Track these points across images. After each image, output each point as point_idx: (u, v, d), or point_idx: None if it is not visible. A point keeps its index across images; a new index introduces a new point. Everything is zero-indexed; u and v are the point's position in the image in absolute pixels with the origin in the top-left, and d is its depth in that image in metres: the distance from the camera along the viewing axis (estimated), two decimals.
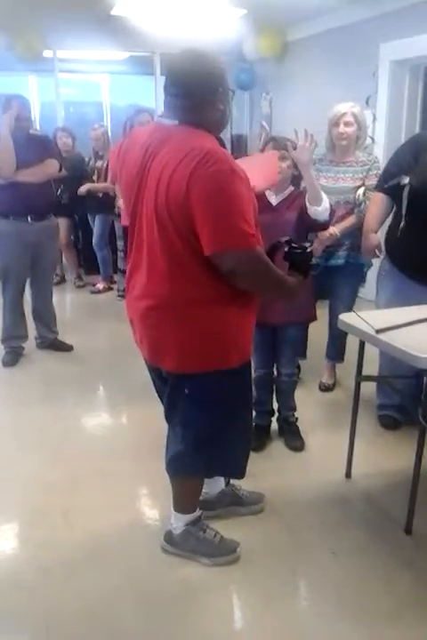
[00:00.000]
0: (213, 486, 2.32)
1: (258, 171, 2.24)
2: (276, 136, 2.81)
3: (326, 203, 2.46)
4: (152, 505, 2.51)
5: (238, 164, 1.66)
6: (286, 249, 1.85)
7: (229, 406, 1.91)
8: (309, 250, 1.86)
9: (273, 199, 2.63)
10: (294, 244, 1.85)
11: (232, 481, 2.39)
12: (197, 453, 1.97)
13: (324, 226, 2.58)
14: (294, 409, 2.93)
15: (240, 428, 2.00)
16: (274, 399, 2.93)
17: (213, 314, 1.76)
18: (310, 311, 2.76)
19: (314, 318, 2.80)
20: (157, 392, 2.09)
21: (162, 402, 2.04)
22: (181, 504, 2.13)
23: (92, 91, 9.49)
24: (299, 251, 1.85)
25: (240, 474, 2.12)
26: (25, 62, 6.38)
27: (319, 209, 2.46)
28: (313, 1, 4.70)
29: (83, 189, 5.39)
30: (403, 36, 4.46)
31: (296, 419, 2.94)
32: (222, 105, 1.74)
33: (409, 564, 2.13)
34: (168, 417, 2.02)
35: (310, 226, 2.54)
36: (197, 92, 1.69)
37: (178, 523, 2.14)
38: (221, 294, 1.75)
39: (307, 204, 2.47)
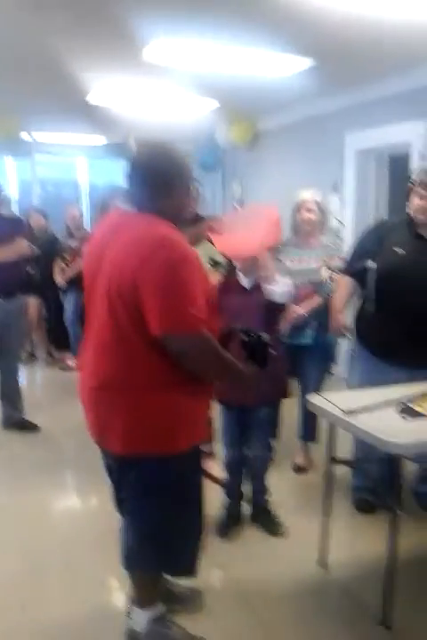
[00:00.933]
0: None
1: (260, 229, 2.24)
2: None
3: (282, 286, 2.51)
4: (117, 598, 2.36)
5: (193, 252, 1.71)
6: (243, 338, 1.86)
7: (178, 494, 1.84)
8: (263, 339, 1.87)
9: (245, 282, 2.65)
10: (249, 332, 1.87)
11: (167, 577, 2.25)
12: (148, 546, 1.88)
13: (280, 307, 2.60)
14: (266, 491, 2.85)
15: (190, 519, 1.92)
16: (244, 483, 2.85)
17: (161, 397, 1.74)
18: (282, 389, 2.72)
19: (286, 395, 2.77)
20: (110, 477, 2.00)
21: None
22: (140, 598, 2.01)
23: (70, 170, 9.70)
24: (254, 338, 1.86)
25: (189, 571, 2.02)
26: (1, 144, 6.52)
27: (275, 289, 2.49)
28: (282, 94, 4.94)
29: (59, 279, 5.41)
30: (367, 126, 4.69)
31: (268, 502, 2.85)
32: (180, 194, 1.80)
33: None
34: (116, 504, 1.96)
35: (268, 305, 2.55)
36: (155, 183, 1.75)
37: (140, 618, 2.01)
38: (169, 378, 1.74)
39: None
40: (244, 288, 2.63)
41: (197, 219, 2.85)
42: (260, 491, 2.83)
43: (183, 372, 1.73)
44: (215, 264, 3.06)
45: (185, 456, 1.80)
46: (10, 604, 2.30)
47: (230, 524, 2.79)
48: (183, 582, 2.27)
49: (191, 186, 1.88)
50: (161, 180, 1.75)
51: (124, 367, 1.73)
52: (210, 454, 3.31)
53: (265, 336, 1.89)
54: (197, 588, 2.30)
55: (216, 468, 3.22)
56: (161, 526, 1.85)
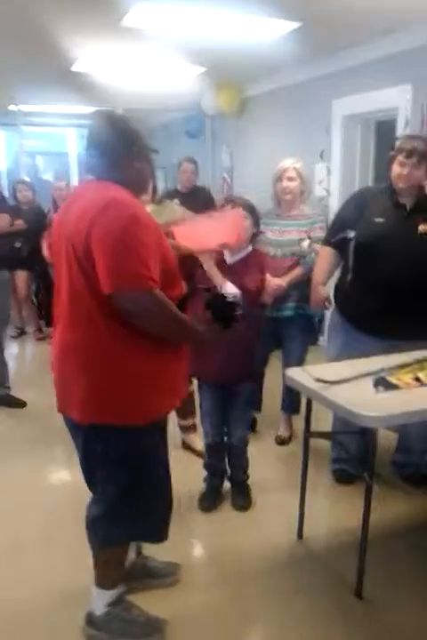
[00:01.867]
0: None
1: (223, 229, 2.21)
2: (234, 197, 2.82)
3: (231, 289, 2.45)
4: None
5: (146, 214, 1.72)
6: (206, 297, 1.85)
7: (141, 464, 1.84)
8: (229, 299, 1.84)
9: (228, 258, 2.60)
10: (216, 292, 1.86)
11: (145, 552, 2.27)
12: (114, 517, 1.88)
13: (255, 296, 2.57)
14: (246, 468, 2.83)
15: (155, 488, 1.91)
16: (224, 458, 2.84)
17: (119, 366, 1.74)
18: (252, 365, 2.69)
19: (258, 370, 2.79)
20: (77, 450, 1.97)
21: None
22: (103, 577, 1.99)
23: (60, 142, 9.58)
24: (218, 299, 1.84)
25: (160, 538, 2.02)
26: None
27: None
28: (269, 60, 4.83)
29: (47, 253, 5.31)
30: (354, 92, 4.59)
31: (247, 477, 2.84)
32: (139, 162, 1.81)
33: (361, 632, 2.05)
34: (85, 478, 1.95)
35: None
36: (111, 152, 1.77)
37: (99, 601, 2.00)
38: (129, 347, 1.73)
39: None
40: (226, 263, 2.58)
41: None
42: (238, 468, 2.82)
43: (144, 342, 1.73)
44: None
45: (144, 428, 1.79)
46: None
47: (210, 498, 2.79)
48: (161, 557, 2.28)
49: (151, 155, 1.88)
50: (117, 151, 1.76)
51: (83, 332, 1.73)
52: (191, 427, 3.31)
53: (230, 296, 1.86)
54: (174, 563, 2.32)
55: (198, 440, 3.22)
56: (127, 496, 1.85)
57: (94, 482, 1.92)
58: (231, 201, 2.67)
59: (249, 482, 2.85)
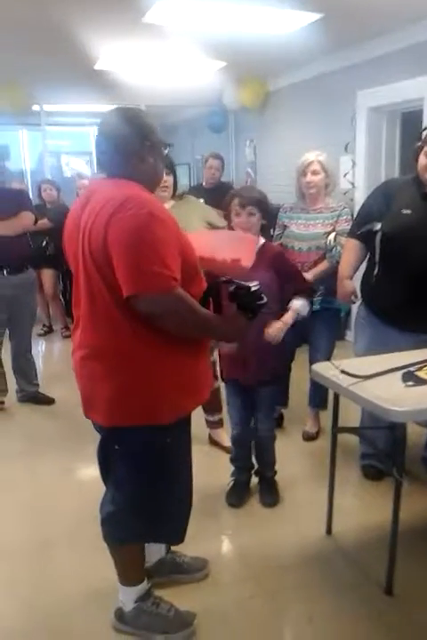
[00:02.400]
0: (151, 554, 2.17)
1: (234, 249, 2.16)
2: (240, 190, 2.68)
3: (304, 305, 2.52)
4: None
5: (163, 211, 1.67)
6: (230, 289, 1.82)
7: (163, 465, 1.82)
8: (253, 289, 1.81)
9: None
10: (239, 283, 1.81)
11: (173, 548, 2.27)
12: (130, 517, 1.87)
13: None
14: (273, 464, 2.81)
15: (176, 490, 1.89)
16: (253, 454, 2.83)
17: (143, 367, 1.71)
18: (278, 368, 2.69)
19: (283, 372, 2.76)
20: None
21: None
22: (124, 575, 2.00)
23: (83, 141, 9.66)
24: (243, 290, 1.81)
25: (177, 539, 2.02)
26: (13, 116, 6.51)
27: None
28: (292, 52, 4.79)
29: None
30: (379, 83, 4.53)
31: (275, 473, 2.82)
32: (151, 158, 1.78)
33: (390, 630, 2.02)
34: (102, 475, 1.96)
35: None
36: (123, 148, 1.74)
37: (127, 597, 2.01)
38: (150, 347, 1.70)
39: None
40: None
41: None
42: (265, 463, 2.81)
43: (167, 341, 1.70)
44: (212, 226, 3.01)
45: (170, 428, 1.77)
46: (19, 577, 2.35)
47: (237, 493, 2.78)
48: (189, 552, 2.28)
49: (163, 150, 1.84)
50: (130, 146, 1.73)
51: (105, 336, 1.71)
52: (218, 423, 3.31)
53: (254, 285, 1.82)
54: (202, 558, 2.32)
55: (225, 436, 3.22)
56: (144, 497, 1.84)
57: (110, 480, 1.91)
58: (239, 195, 2.53)
59: (277, 478, 2.83)
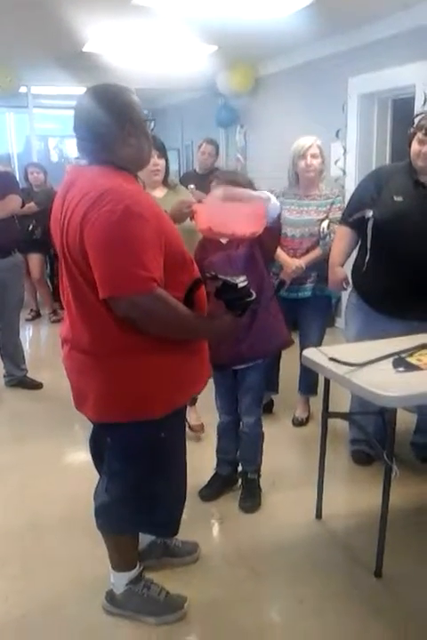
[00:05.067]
0: (143, 537, 2.15)
1: (245, 216, 2.11)
2: (219, 173, 2.58)
3: (268, 196, 2.17)
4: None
5: (143, 203, 1.56)
6: (217, 285, 1.74)
7: (155, 459, 1.79)
8: (240, 285, 1.72)
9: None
10: (225, 279, 1.73)
11: None
12: (124, 508, 1.86)
13: (276, 233, 2.31)
14: (257, 465, 2.67)
15: (169, 483, 1.87)
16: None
17: (131, 362, 1.66)
18: (276, 342, 2.54)
19: (283, 347, 2.65)
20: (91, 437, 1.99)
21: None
22: (117, 561, 1.99)
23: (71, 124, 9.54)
24: (230, 287, 1.72)
25: (169, 532, 2.03)
26: (0, 98, 6.41)
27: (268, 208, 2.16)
28: (283, 37, 4.76)
29: None
30: (370, 69, 4.52)
31: (258, 476, 2.69)
32: (135, 138, 1.65)
33: (379, 612, 2.05)
34: (95, 464, 1.95)
35: (267, 245, 2.32)
36: (102, 131, 1.61)
37: (118, 581, 2.01)
38: (139, 341, 1.64)
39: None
40: (221, 243, 2.38)
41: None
42: (247, 461, 2.68)
43: (158, 336, 1.65)
44: None
45: (163, 421, 1.72)
46: (10, 560, 2.34)
47: (212, 486, 2.72)
48: (179, 536, 2.28)
49: (147, 127, 1.71)
50: (110, 132, 1.61)
51: (93, 331, 1.65)
52: (191, 399, 3.16)
53: (241, 281, 1.73)
54: (192, 542, 2.33)
55: (193, 416, 3.22)
56: (138, 489, 1.83)
57: (103, 471, 1.90)
58: (216, 177, 2.42)
59: (261, 480, 2.71)
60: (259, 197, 2.17)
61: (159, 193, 2.83)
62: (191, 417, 3.20)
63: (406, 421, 3.00)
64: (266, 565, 2.29)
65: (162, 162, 2.83)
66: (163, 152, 2.82)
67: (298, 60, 5.39)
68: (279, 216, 2.23)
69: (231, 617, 2.02)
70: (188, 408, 3.16)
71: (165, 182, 2.91)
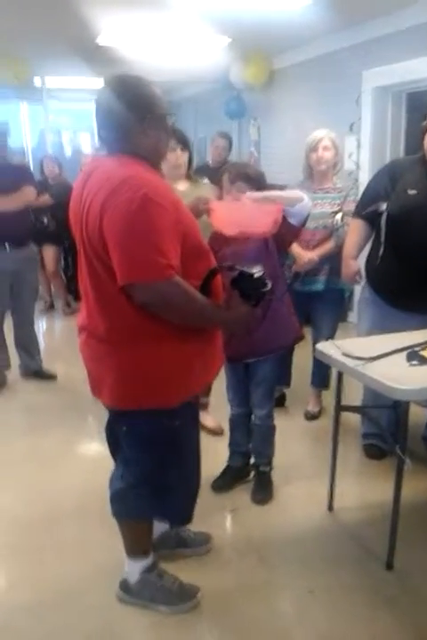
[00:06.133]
0: (156, 527, 2.14)
1: (259, 217, 2.08)
2: (230, 165, 2.56)
3: (301, 196, 2.20)
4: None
5: (162, 192, 1.57)
6: (233, 276, 1.74)
7: (170, 447, 1.81)
8: (256, 275, 1.72)
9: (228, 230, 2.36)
10: (242, 270, 1.73)
11: None
12: (139, 495, 1.89)
13: (297, 230, 2.29)
14: (269, 457, 2.68)
15: (183, 471, 1.88)
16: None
17: (148, 350, 1.68)
18: (289, 336, 2.54)
19: (296, 341, 2.62)
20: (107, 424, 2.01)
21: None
22: (131, 548, 2.02)
23: (86, 119, 9.56)
24: (246, 277, 1.72)
25: (183, 520, 2.05)
26: (15, 90, 6.44)
27: (297, 208, 2.17)
28: (297, 29, 4.74)
29: None
30: (385, 62, 4.48)
31: (270, 469, 2.70)
32: (154, 130, 1.67)
33: (390, 602, 2.06)
34: (111, 452, 1.98)
35: (283, 238, 2.31)
36: (122, 122, 1.63)
37: (132, 569, 2.04)
38: (156, 329, 1.66)
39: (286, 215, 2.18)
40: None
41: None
42: (259, 454, 2.69)
43: (175, 325, 1.67)
44: None
45: (177, 410, 1.75)
46: (24, 548, 2.38)
47: (224, 477, 2.74)
48: (192, 527, 2.31)
49: (167, 119, 1.73)
50: (129, 121, 1.62)
51: (111, 320, 1.67)
52: (203, 406, 3.21)
53: (257, 271, 1.73)
54: (205, 533, 2.35)
55: (209, 419, 3.22)
56: (153, 477, 1.85)
57: (119, 458, 1.93)
58: (228, 171, 2.41)
59: (274, 471, 2.73)
60: (278, 197, 2.17)
61: (182, 186, 2.81)
62: (207, 420, 3.20)
63: (417, 415, 3.00)
64: (278, 556, 2.31)
65: (185, 155, 2.79)
66: (186, 145, 2.79)
67: (312, 52, 5.36)
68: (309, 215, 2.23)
69: (243, 607, 2.04)
70: (201, 413, 3.21)
71: (187, 176, 2.87)
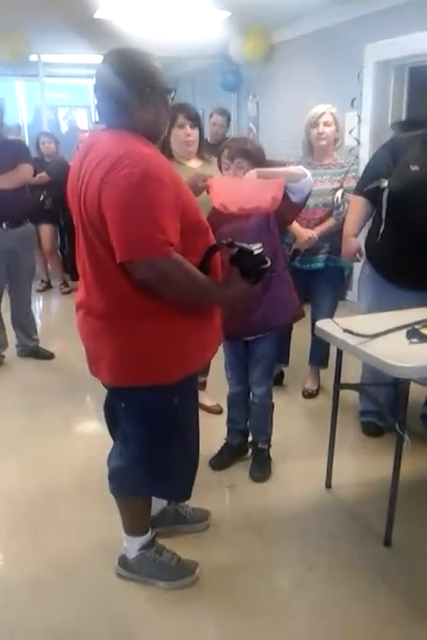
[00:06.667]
0: (155, 504, 2.15)
1: (259, 193, 2.06)
2: (229, 141, 2.50)
3: (304, 172, 2.18)
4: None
5: (162, 167, 1.56)
6: (232, 252, 1.73)
7: (168, 423, 1.80)
8: (256, 252, 1.71)
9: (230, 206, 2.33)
10: (242, 246, 1.72)
11: None
12: (138, 472, 1.88)
13: (298, 208, 2.28)
14: (268, 435, 2.68)
15: (181, 448, 1.88)
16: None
17: (147, 326, 1.67)
18: (288, 314, 2.51)
19: (294, 319, 2.59)
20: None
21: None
22: (129, 525, 2.02)
23: (83, 94, 9.44)
24: (245, 254, 1.71)
25: (181, 497, 2.05)
26: (11, 66, 6.34)
27: (299, 185, 2.16)
28: (297, 3, 4.66)
29: None
30: (387, 36, 4.41)
31: (269, 446, 2.70)
32: (154, 106, 1.64)
33: (388, 578, 2.07)
34: (109, 429, 1.97)
35: (284, 216, 2.31)
36: (121, 95, 1.60)
37: (131, 546, 2.04)
38: (155, 306, 1.65)
39: (288, 192, 2.17)
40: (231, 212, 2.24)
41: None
42: (258, 432, 2.69)
43: (173, 302, 1.66)
44: None
45: (176, 387, 1.74)
46: (24, 525, 2.38)
47: (222, 455, 2.74)
48: (190, 504, 2.31)
49: (167, 94, 1.70)
50: (128, 94, 1.60)
51: (109, 297, 1.66)
52: (202, 385, 3.18)
53: (257, 248, 1.72)
54: (204, 509, 2.36)
55: (207, 398, 3.20)
56: (152, 453, 1.85)
57: (117, 435, 1.92)
58: (228, 147, 2.37)
59: (272, 450, 2.72)
60: (282, 173, 2.15)
61: (194, 164, 2.76)
62: (205, 399, 3.18)
63: (415, 393, 2.99)
64: (276, 533, 2.31)
65: (195, 132, 2.72)
66: (196, 122, 2.72)
67: (313, 26, 5.27)
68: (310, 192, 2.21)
69: (241, 582, 2.05)
70: (200, 393, 3.20)
71: (199, 154, 2.81)
